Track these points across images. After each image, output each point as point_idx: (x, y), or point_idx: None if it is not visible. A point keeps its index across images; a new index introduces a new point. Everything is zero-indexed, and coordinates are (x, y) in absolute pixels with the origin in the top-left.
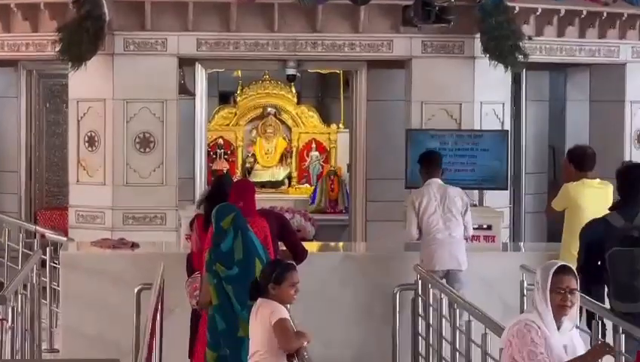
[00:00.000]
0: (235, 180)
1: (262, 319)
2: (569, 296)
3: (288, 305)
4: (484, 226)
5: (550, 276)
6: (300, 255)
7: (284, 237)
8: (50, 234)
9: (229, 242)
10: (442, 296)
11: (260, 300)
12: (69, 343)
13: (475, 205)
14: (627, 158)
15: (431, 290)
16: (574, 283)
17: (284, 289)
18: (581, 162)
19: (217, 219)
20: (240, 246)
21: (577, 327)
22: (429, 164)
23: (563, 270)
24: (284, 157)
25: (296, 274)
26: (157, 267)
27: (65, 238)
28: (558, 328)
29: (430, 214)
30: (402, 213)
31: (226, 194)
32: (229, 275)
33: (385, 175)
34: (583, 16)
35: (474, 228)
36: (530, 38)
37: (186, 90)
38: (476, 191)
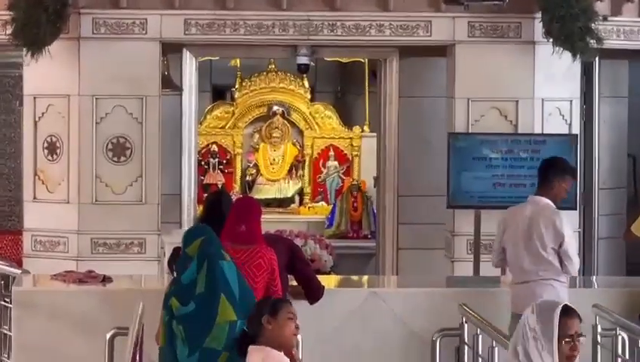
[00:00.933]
0: (236, 198)
1: None
2: (577, 343)
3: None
4: None
5: (556, 321)
6: (315, 292)
7: (295, 269)
8: (0, 265)
9: (192, 272)
10: (495, 344)
11: (250, 348)
12: None
13: None
14: None
15: (480, 337)
16: (579, 327)
17: (283, 323)
18: None
19: (184, 244)
20: (203, 279)
21: None
22: (541, 172)
23: (567, 312)
24: (294, 169)
25: (292, 308)
26: (134, 307)
27: (18, 270)
28: None
29: (514, 244)
30: (443, 238)
31: (224, 216)
32: (182, 314)
33: (421, 191)
34: None
35: None
36: (605, 19)
37: (170, 84)
38: None
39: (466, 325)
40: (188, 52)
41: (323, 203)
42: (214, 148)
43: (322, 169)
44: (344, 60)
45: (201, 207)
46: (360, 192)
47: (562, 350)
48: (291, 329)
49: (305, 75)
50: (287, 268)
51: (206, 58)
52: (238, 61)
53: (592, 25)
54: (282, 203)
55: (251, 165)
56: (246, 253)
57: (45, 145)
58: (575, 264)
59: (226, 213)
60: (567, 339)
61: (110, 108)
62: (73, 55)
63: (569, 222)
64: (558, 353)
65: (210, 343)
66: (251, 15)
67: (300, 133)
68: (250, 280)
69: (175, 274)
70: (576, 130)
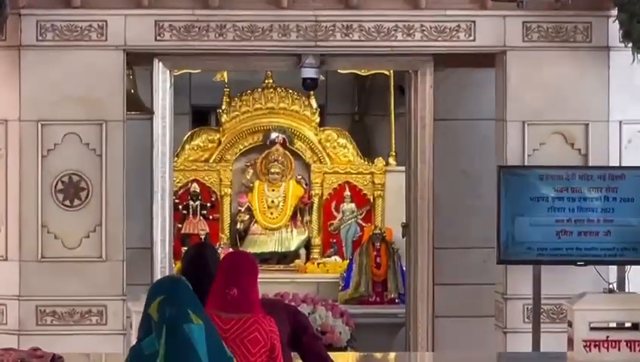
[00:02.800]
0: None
1: None
2: None
3: None
4: (628, 325)
5: None
6: None
7: (300, 344)
8: None
9: (151, 341)
10: None
11: None
12: None
13: (612, 290)
14: None
15: None
16: None
17: None
18: None
19: (146, 302)
20: (162, 350)
21: None
22: None
23: None
24: (298, 214)
25: None
26: None
27: None
28: None
29: None
30: (493, 303)
31: (209, 276)
32: None
33: (464, 241)
34: None
35: (612, 328)
36: None
37: (138, 105)
38: (614, 268)
39: None
40: (160, 63)
41: (336, 258)
42: (195, 187)
43: (335, 214)
44: (362, 73)
45: (178, 264)
46: (384, 244)
47: None
48: None
49: (312, 93)
50: (290, 342)
51: (184, 71)
52: (224, 75)
53: None
54: (284, 258)
55: (243, 209)
56: (238, 323)
57: None
58: None
59: (212, 272)
60: None
61: (60, 137)
62: (12, 68)
63: None
64: None
65: None
66: (242, 15)
67: (307, 167)
68: (244, 359)
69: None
70: None
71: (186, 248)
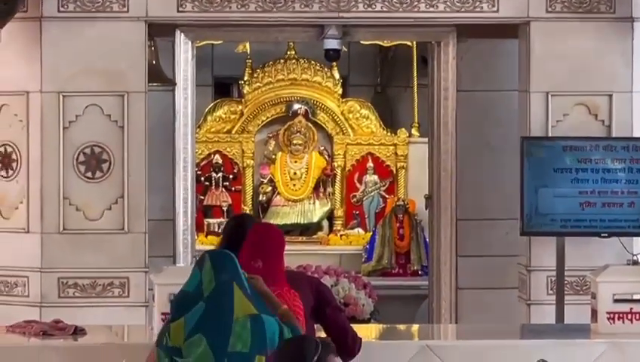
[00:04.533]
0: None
1: None
2: None
3: None
4: None
5: None
6: (350, 347)
7: (323, 316)
8: None
9: (195, 276)
10: None
11: None
12: None
13: (635, 262)
14: None
15: None
16: None
17: None
18: None
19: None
20: (210, 273)
21: None
22: None
23: None
24: (321, 185)
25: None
26: None
27: None
28: None
29: None
30: (516, 275)
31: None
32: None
33: (487, 212)
34: None
35: (635, 300)
36: None
37: (160, 77)
38: (637, 240)
39: None
40: (182, 35)
41: (359, 230)
42: (217, 159)
43: (358, 185)
44: (385, 44)
45: (201, 236)
46: (407, 215)
47: None
48: None
49: (335, 64)
50: (313, 315)
51: (206, 42)
52: (247, 46)
53: None
54: (306, 230)
55: (265, 181)
56: None
57: None
58: None
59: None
60: None
61: (82, 108)
62: (33, 40)
63: None
64: None
65: (235, 345)
66: None
67: (329, 138)
68: None
69: None
70: None
71: (208, 220)
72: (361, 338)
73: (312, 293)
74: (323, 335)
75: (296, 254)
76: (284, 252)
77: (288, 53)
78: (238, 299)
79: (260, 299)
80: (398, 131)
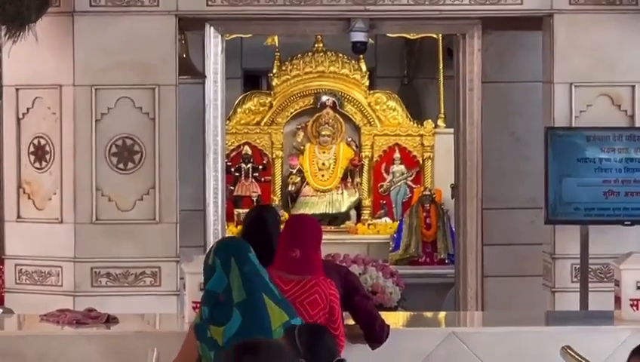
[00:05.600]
0: (290, 216)
1: None
2: None
3: None
4: None
5: (628, 358)
6: (378, 333)
7: (352, 304)
8: None
9: (220, 277)
10: None
11: None
12: None
13: None
14: None
15: None
16: None
17: None
18: None
19: (205, 259)
20: (238, 280)
21: None
22: None
23: (637, 352)
24: (349, 176)
25: None
26: (147, 354)
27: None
28: None
29: None
30: (541, 262)
31: (270, 238)
32: (230, 336)
33: (512, 202)
34: None
35: None
36: None
37: (190, 70)
38: None
39: None
40: (212, 28)
41: (387, 219)
42: (247, 150)
43: (385, 175)
44: (411, 37)
45: (231, 226)
46: (434, 205)
47: None
48: None
49: (362, 56)
50: (342, 303)
51: (235, 36)
52: (275, 39)
53: None
54: (334, 219)
55: (294, 171)
56: (299, 284)
57: (31, 149)
58: None
59: (272, 233)
60: None
61: (113, 101)
62: (65, 34)
63: None
64: None
65: None
66: None
67: (357, 129)
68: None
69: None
70: None
71: (238, 210)
72: (389, 326)
73: (341, 282)
74: (351, 322)
75: (324, 243)
76: (321, 242)
77: (316, 45)
78: (271, 309)
79: (284, 299)
80: (425, 122)
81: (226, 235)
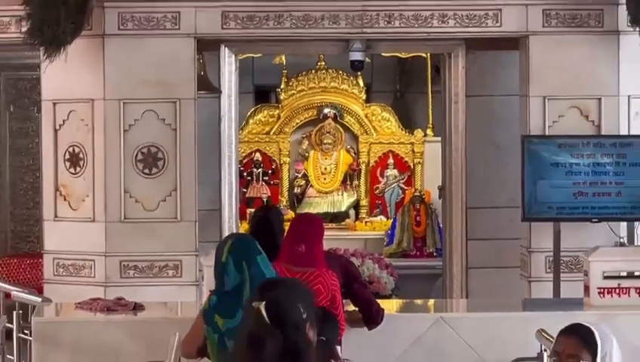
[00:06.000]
0: (297, 214)
1: None
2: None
3: None
4: (637, 274)
5: (555, 337)
6: (374, 316)
7: (351, 291)
8: (17, 293)
9: (234, 277)
10: None
11: None
12: None
13: (623, 244)
14: None
15: None
16: (577, 350)
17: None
18: None
19: (216, 255)
20: (248, 282)
21: None
22: None
23: (569, 329)
24: (348, 179)
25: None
26: (169, 338)
27: (39, 299)
28: None
29: None
30: (518, 255)
31: (274, 235)
32: (230, 327)
33: (493, 202)
34: None
35: (622, 277)
36: None
37: (207, 86)
38: (624, 224)
39: (545, 354)
40: (226, 49)
41: (382, 217)
42: (258, 156)
43: (380, 179)
44: (403, 55)
45: (244, 224)
46: (423, 204)
47: None
48: None
49: (359, 73)
50: (343, 289)
51: (247, 55)
52: (283, 58)
53: None
54: (335, 218)
55: (300, 175)
56: (303, 276)
57: (67, 156)
58: None
59: (276, 231)
60: (554, 358)
61: (139, 113)
62: (97, 54)
63: None
64: None
65: None
66: (297, 6)
67: (355, 138)
68: None
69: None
70: None
71: (250, 210)
72: (383, 309)
73: (341, 272)
74: (351, 308)
75: (326, 239)
76: (324, 237)
77: (319, 64)
78: None
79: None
80: (415, 132)
81: (238, 232)
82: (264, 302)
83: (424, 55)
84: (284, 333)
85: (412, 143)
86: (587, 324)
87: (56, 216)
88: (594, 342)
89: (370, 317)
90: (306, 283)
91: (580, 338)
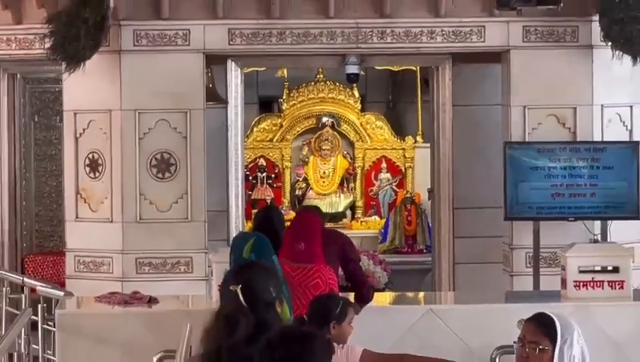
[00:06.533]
0: (297, 212)
1: None
2: (526, 349)
3: None
4: (609, 268)
5: (521, 324)
6: (366, 295)
7: (347, 268)
8: (42, 288)
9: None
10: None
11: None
12: None
13: (596, 241)
14: None
15: None
16: (536, 336)
17: (345, 328)
18: None
19: (236, 251)
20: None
21: None
22: None
23: (533, 317)
24: (345, 182)
25: (353, 312)
26: (181, 329)
27: (61, 293)
28: None
29: None
30: (501, 252)
31: (276, 233)
32: None
33: (478, 203)
34: None
35: (596, 271)
36: None
37: (215, 97)
38: (598, 223)
39: None
40: (233, 63)
41: (376, 217)
42: (262, 162)
43: (374, 181)
44: (395, 69)
45: (249, 224)
46: (414, 205)
47: (516, 352)
48: (349, 332)
49: (354, 85)
50: (340, 264)
51: (252, 69)
52: (284, 71)
53: None
54: (333, 218)
55: (301, 179)
56: (303, 271)
57: (87, 162)
58: None
59: (278, 230)
60: (519, 344)
61: (153, 122)
62: (114, 68)
63: None
64: (515, 353)
65: None
66: (298, 23)
67: (351, 144)
68: (306, 301)
69: None
70: (637, 136)
71: (255, 211)
72: (373, 287)
73: (338, 251)
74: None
75: None
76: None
77: (318, 76)
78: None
79: (289, 298)
80: (406, 138)
81: (244, 231)
82: (240, 286)
83: (414, 68)
84: (256, 312)
85: (403, 149)
86: (549, 313)
87: (77, 217)
88: (554, 329)
89: (362, 296)
90: (306, 279)
91: (541, 325)
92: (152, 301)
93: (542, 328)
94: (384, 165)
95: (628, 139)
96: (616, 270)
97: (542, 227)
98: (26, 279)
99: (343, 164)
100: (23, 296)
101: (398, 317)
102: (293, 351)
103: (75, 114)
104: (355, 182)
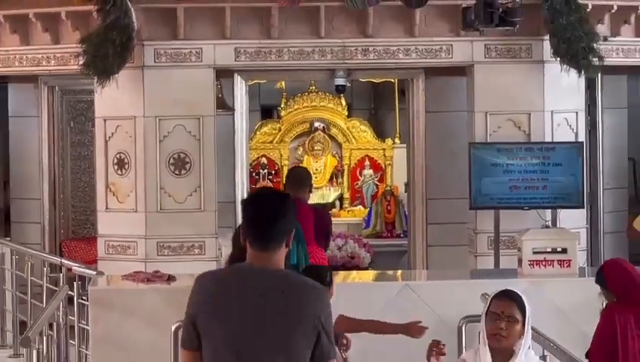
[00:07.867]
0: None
1: None
2: (504, 323)
3: None
4: (559, 249)
5: (490, 300)
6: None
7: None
8: (77, 268)
9: (294, 252)
10: None
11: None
12: None
13: (548, 226)
14: None
15: None
16: (512, 310)
17: (332, 291)
18: None
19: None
20: (302, 257)
21: None
22: None
23: (505, 294)
24: (334, 177)
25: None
26: None
27: (94, 272)
28: None
29: None
30: (467, 236)
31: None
32: None
33: (447, 194)
34: None
35: (547, 252)
36: (605, 39)
37: (224, 105)
38: (549, 211)
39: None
40: (238, 77)
41: (360, 207)
42: (264, 160)
43: (359, 177)
44: (376, 81)
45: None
46: (393, 197)
47: (487, 328)
48: (331, 297)
49: (342, 95)
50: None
51: (255, 81)
52: (283, 83)
53: (595, 45)
54: (324, 207)
55: None
56: None
57: (115, 161)
58: None
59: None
60: (492, 318)
61: (171, 127)
62: (138, 82)
63: None
64: (485, 329)
65: None
66: (293, 43)
67: (339, 145)
68: None
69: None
70: (582, 137)
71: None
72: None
73: (323, 225)
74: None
75: None
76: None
77: (311, 88)
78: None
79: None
80: (386, 140)
81: None
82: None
83: (392, 80)
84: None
85: (384, 149)
86: (516, 291)
87: (107, 208)
88: (523, 303)
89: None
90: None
91: (515, 301)
92: (170, 278)
93: (517, 304)
94: (367, 163)
95: (574, 140)
96: (564, 251)
97: (501, 215)
98: (63, 260)
99: (333, 162)
100: (61, 275)
101: (379, 292)
102: (272, 206)
103: (104, 120)
104: (343, 178)
